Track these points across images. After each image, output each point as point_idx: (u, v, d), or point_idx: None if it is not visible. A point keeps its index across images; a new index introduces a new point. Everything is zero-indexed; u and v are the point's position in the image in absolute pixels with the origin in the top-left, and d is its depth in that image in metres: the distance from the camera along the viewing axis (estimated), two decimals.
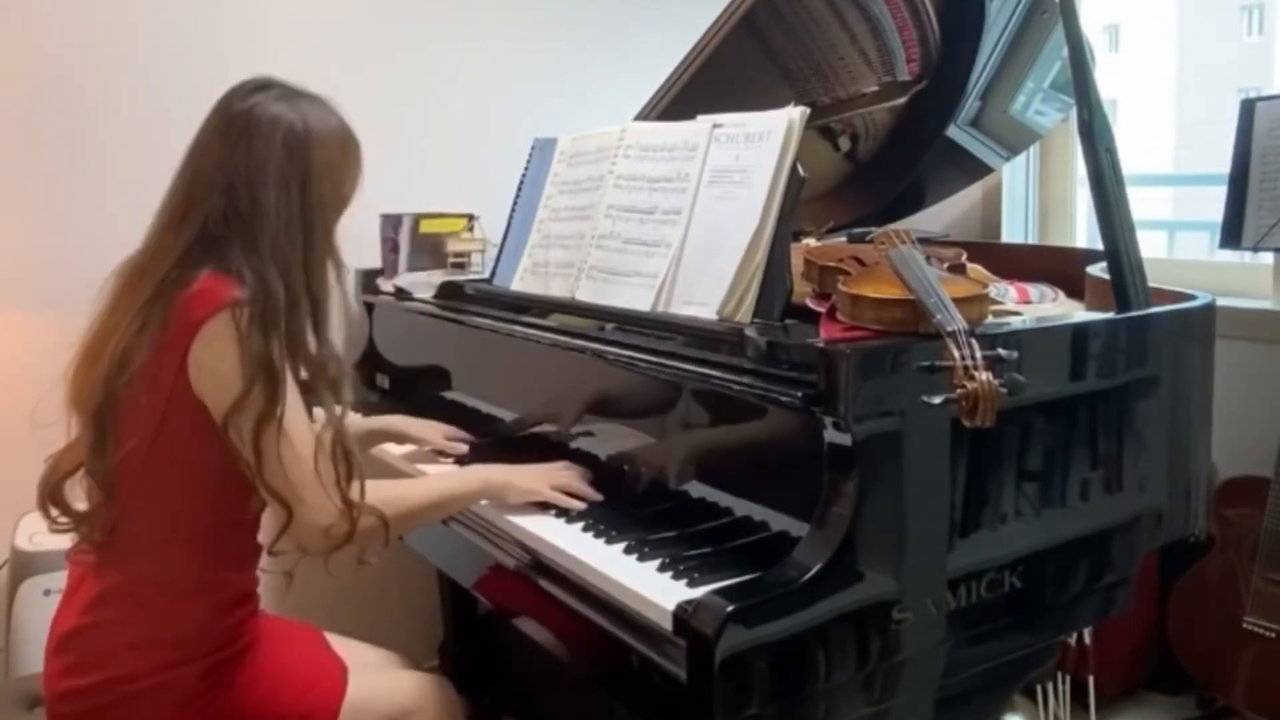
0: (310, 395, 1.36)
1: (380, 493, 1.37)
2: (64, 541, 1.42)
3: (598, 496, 1.49)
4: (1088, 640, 2.16)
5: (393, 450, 1.83)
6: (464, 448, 1.74)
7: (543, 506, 1.48)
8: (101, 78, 2.12)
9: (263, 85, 1.39)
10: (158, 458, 1.31)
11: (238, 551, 1.40)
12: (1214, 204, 2.23)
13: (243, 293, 1.28)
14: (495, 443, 1.77)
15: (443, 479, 1.56)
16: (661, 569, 1.23)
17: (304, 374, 1.35)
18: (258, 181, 1.33)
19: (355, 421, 1.80)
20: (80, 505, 1.35)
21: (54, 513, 1.36)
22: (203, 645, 1.33)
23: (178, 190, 1.38)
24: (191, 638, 1.33)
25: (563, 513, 1.46)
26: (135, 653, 1.31)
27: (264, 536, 1.41)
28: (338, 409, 1.35)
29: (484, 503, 1.52)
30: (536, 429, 1.71)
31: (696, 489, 1.39)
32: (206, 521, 1.34)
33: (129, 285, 1.35)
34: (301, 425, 1.30)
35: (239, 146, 1.34)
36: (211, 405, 1.28)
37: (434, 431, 1.78)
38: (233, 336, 1.26)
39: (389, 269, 2.26)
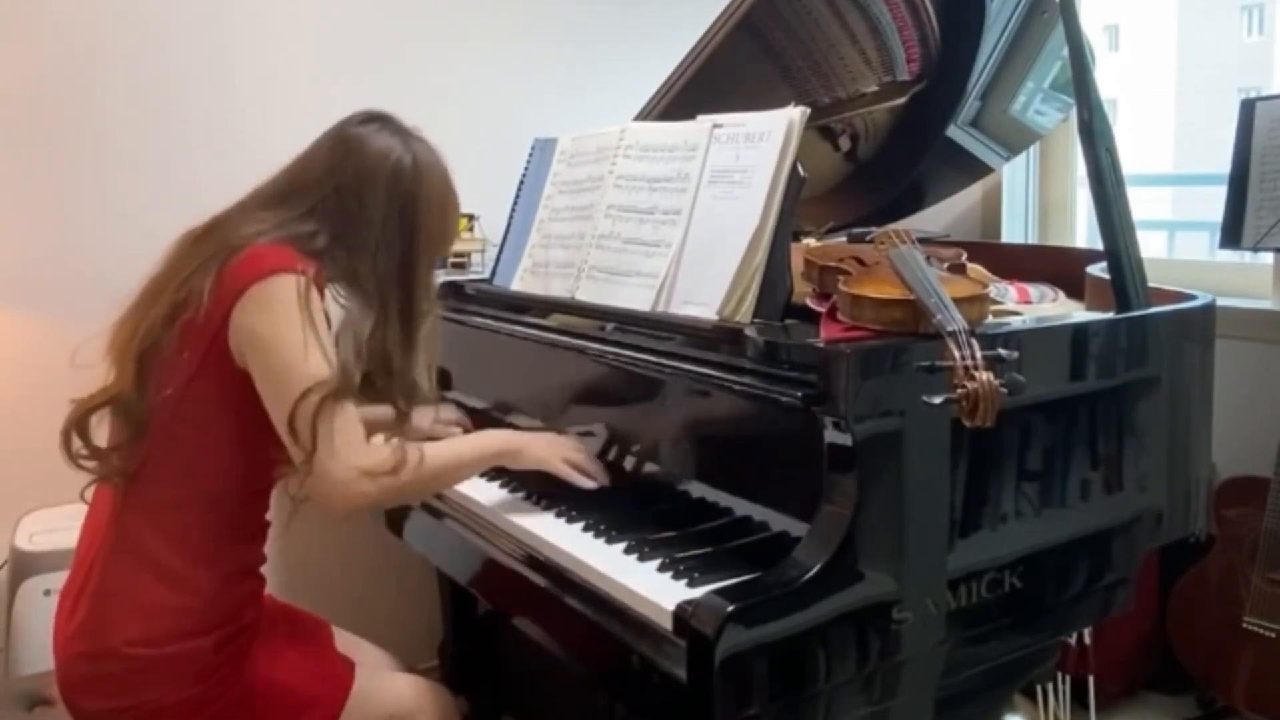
0: (378, 398, 1.41)
1: (412, 452, 1.38)
2: (64, 541, 1.42)
3: (604, 479, 1.50)
4: (1088, 640, 2.16)
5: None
6: (457, 431, 1.77)
7: (544, 506, 1.48)
8: (100, 79, 2.12)
9: (378, 117, 1.46)
10: (184, 413, 1.32)
11: (248, 524, 1.41)
12: (1214, 204, 2.23)
13: (304, 264, 1.32)
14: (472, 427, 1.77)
15: (465, 441, 1.58)
16: (661, 569, 1.24)
17: (379, 382, 1.39)
18: (366, 194, 1.39)
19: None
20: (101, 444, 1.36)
21: (76, 444, 1.36)
22: (212, 617, 1.34)
23: (277, 181, 1.44)
24: (201, 608, 1.33)
25: (563, 512, 1.46)
26: (147, 618, 1.31)
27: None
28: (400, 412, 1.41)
29: (485, 501, 1.52)
30: (535, 429, 1.71)
31: (696, 489, 1.39)
32: (221, 488, 1.36)
33: (196, 245, 1.38)
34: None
35: (350, 159, 1.41)
36: (252, 356, 1.30)
37: (422, 417, 1.80)
38: (285, 299, 1.28)
39: None
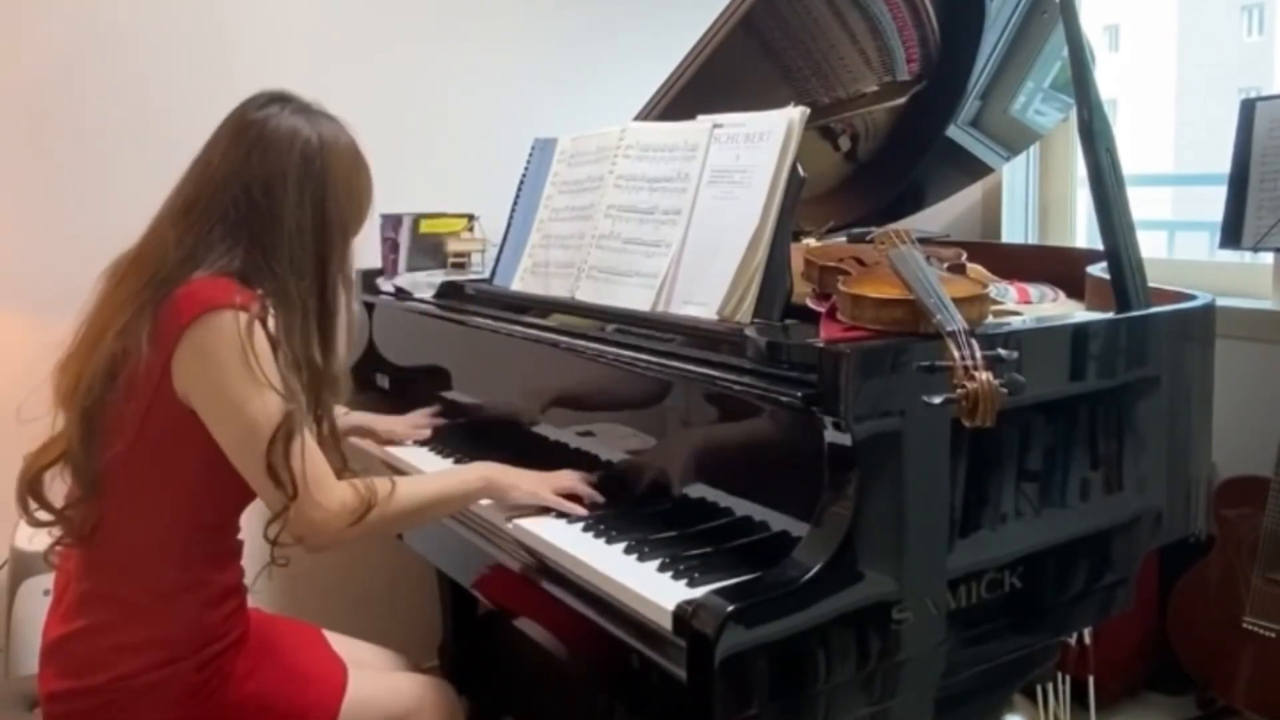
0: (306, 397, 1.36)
1: (381, 489, 1.37)
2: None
3: (599, 499, 1.48)
4: (1088, 640, 2.16)
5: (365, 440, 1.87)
6: (427, 432, 1.81)
7: (543, 506, 1.48)
8: (100, 78, 2.12)
9: (278, 98, 1.41)
10: (136, 459, 1.31)
11: (219, 550, 1.40)
12: (1214, 204, 2.23)
13: (244, 298, 1.28)
14: (485, 436, 1.77)
15: (445, 476, 1.56)
16: (661, 569, 1.23)
17: (305, 379, 1.35)
18: (276, 189, 1.34)
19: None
20: (59, 501, 1.35)
21: (32, 506, 1.36)
22: (194, 641, 1.33)
23: (183, 190, 1.38)
24: (181, 635, 1.33)
25: (563, 513, 1.46)
26: (127, 654, 1.31)
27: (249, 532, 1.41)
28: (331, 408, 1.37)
29: (484, 502, 1.52)
30: (536, 429, 1.71)
31: (696, 489, 1.39)
32: (186, 524, 1.34)
33: (123, 280, 1.35)
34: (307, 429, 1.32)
35: (253, 154, 1.35)
36: (203, 408, 1.28)
37: (398, 424, 1.84)
38: (225, 339, 1.25)
39: (389, 269, 2.26)
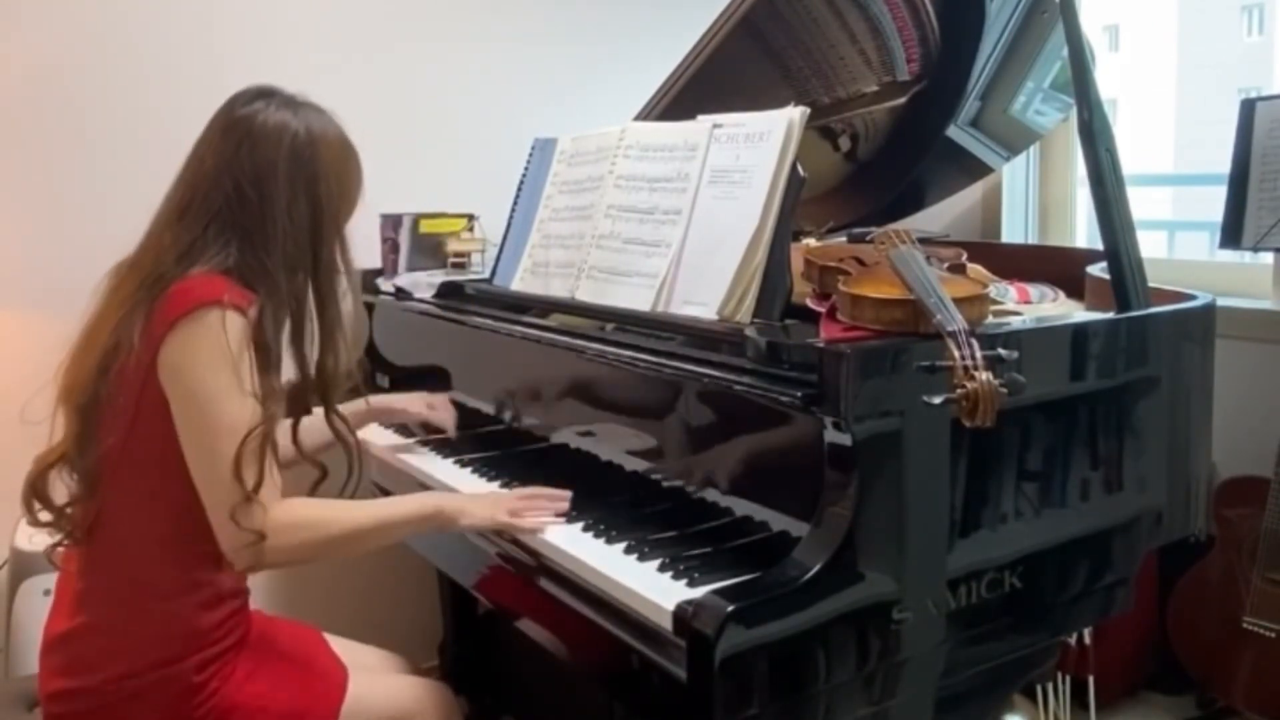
0: (300, 399, 1.38)
1: (309, 511, 1.36)
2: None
3: (558, 520, 1.42)
4: (1088, 640, 2.16)
5: (378, 442, 1.86)
6: (448, 414, 1.79)
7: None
8: (98, 78, 2.12)
9: (264, 93, 1.41)
10: (131, 456, 1.31)
11: (218, 551, 1.37)
12: (1214, 204, 2.23)
13: (234, 296, 1.28)
14: (485, 437, 1.77)
15: (390, 503, 1.49)
16: (661, 569, 1.24)
17: (298, 375, 1.37)
18: (267, 184, 1.34)
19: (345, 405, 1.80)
20: (61, 501, 1.35)
21: (36, 506, 1.36)
22: (193, 642, 1.34)
23: (177, 191, 1.39)
24: (180, 635, 1.33)
25: (563, 513, 1.45)
26: (127, 654, 1.31)
27: None
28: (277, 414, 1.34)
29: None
30: (535, 429, 1.71)
31: (696, 489, 1.39)
32: (182, 522, 1.33)
33: (122, 282, 1.36)
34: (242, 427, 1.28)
35: (242, 150, 1.35)
36: (174, 398, 1.28)
37: (416, 402, 1.82)
38: (210, 335, 1.25)
39: (389, 269, 2.26)
